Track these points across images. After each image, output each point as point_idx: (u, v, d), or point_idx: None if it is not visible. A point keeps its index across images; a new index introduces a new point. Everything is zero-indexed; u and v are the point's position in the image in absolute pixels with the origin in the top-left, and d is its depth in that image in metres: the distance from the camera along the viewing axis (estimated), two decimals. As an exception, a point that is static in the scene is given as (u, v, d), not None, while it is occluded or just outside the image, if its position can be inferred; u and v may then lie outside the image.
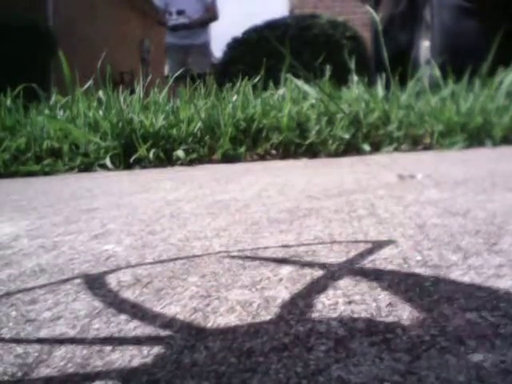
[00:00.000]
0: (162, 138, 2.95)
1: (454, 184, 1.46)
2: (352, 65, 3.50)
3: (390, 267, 0.72)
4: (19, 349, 0.54)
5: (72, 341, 0.55)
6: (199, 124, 2.99)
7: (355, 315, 0.56)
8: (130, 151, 2.88)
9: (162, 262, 0.84)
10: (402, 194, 1.33)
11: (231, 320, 0.58)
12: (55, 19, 8.05)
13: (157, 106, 3.21)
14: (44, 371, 0.49)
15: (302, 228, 1.01)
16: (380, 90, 3.30)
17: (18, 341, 0.56)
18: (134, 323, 0.59)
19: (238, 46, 6.24)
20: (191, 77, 3.67)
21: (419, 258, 0.76)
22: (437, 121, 2.87)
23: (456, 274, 0.67)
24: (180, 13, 5.56)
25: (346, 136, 2.86)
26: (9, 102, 3.49)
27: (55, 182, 2.43)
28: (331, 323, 0.55)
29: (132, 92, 3.41)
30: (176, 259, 0.85)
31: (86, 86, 3.38)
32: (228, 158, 2.85)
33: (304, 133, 2.92)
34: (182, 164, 2.81)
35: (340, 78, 3.53)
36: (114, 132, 2.93)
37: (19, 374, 0.49)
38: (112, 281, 0.75)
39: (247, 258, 0.83)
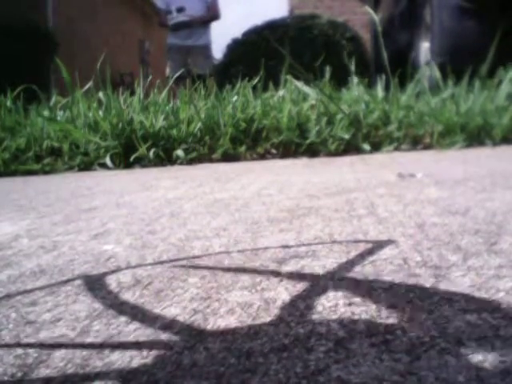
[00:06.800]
0: (162, 138, 2.95)
1: (453, 183, 1.46)
2: (352, 66, 3.50)
3: (390, 268, 0.72)
4: (19, 350, 0.54)
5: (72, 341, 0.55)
6: (199, 124, 2.99)
7: (355, 317, 0.56)
8: (129, 151, 2.88)
9: (162, 262, 0.84)
10: (402, 193, 1.33)
11: (231, 321, 0.58)
12: (55, 19, 8.05)
13: (157, 106, 3.21)
14: (44, 372, 0.49)
15: (302, 227, 1.01)
16: (380, 90, 3.30)
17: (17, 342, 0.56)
18: (134, 325, 0.59)
19: (237, 46, 6.24)
20: (192, 78, 3.67)
21: (419, 258, 0.76)
22: (437, 121, 2.87)
23: (456, 275, 0.67)
24: (180, 10, 5.53)
25: (346, 136, 2.86)
26: (9, 102, 3.49)
27: (55, 181, 2.43)
28: (331, 325, 0.55)
29: (132, 93, 3.41)
30: (176, 260, 0.85)
31: (86, 88, 3.38)
32: (228, 157, 2.85)
33: (304, 133, 2.92)
34: (181, 163, 2.81)
35: (340, 79, 3.53)
36: (113, 132, 2.93)
37: (19, 374, 0.49)
38: (112, 282, 0.75)
39: (247, 258, 0.83)
